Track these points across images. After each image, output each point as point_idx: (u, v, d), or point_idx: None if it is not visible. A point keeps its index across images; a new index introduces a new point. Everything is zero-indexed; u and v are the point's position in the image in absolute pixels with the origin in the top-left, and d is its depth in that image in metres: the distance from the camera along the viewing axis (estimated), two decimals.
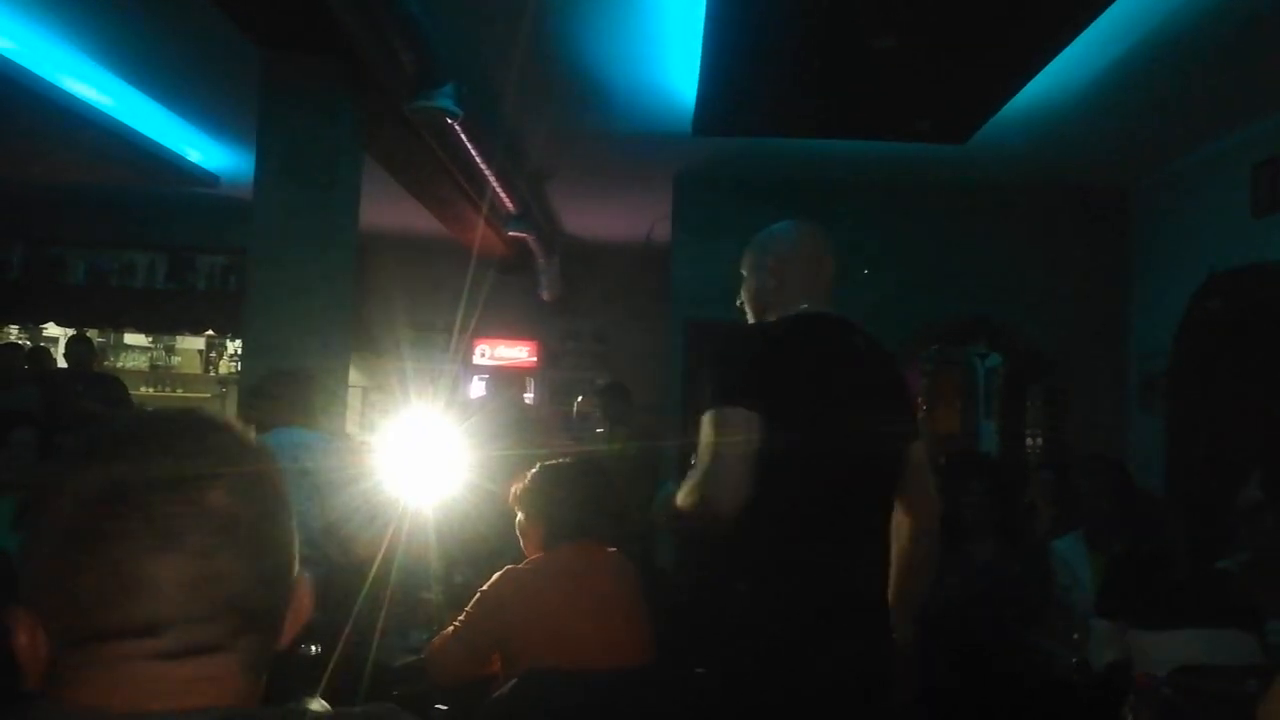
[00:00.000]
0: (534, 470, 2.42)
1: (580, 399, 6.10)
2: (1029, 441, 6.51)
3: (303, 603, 0.74)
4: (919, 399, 8.87)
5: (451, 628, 2.27)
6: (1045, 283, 5.94)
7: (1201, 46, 3.82)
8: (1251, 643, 2.64)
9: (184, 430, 0.70)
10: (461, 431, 3.07)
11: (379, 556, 2.35)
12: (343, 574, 2.15)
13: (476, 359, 8.27)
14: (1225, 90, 4.29)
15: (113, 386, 5.66)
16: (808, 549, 1.66)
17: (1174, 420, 5.28)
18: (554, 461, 2.45)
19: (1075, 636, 3.12)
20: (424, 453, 2.76)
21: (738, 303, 2.05)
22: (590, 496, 2.34)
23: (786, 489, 1.63)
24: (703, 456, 1.61)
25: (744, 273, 2.02)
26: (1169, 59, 3.92)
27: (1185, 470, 5.11)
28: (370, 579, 2.62)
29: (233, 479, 0.68)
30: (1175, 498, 4.95)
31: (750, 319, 2.01)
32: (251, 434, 0.74)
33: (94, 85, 4.71)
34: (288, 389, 3.05)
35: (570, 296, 8.24)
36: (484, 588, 2.27)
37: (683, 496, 1.63)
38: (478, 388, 7.89)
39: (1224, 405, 4.93)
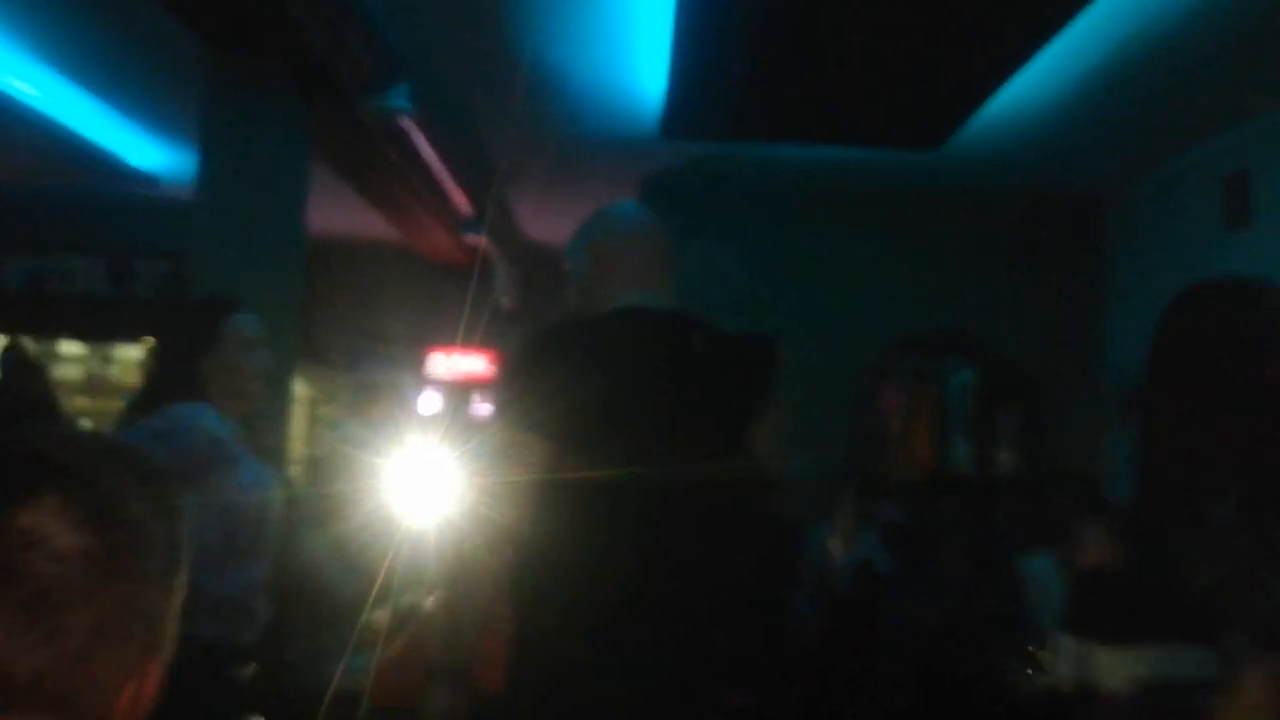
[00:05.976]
0: None
1: None
2: (1003, 458, 6.44)
3: (143, 697, 0.63)
4: (894, 416, 8.78)
5: (400, 649, 2.12)
6: (1020, 295, 5.87)
7: (1175, 56, 3.81)
8: (1212, 658, 2.60)
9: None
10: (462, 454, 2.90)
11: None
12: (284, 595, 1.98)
13: (431, 370, 8.02)
14: (1198, 101, 4.29)
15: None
16: (599, 579, 1.52)
17: (1148, 436, 5.23)
18: None
19: (1041, 655, 3.14)
20: (420, 475, 2.60)
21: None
22: None
23: (576, 515, 1.51)
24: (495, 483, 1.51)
25: (566, 264, 1.79)
26: (1143, 68, 3.90)
27: (1158, 487, 5.07)
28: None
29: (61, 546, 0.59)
30: (1147, 514, 4.90)
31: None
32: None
33: (26, 79, 4.52)
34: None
35: (532, 305, 8.03)
36: (429, 605, 2.13)
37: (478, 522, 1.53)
38: (431, 400, 7.64)
39: (1199, 421, 4.90)
